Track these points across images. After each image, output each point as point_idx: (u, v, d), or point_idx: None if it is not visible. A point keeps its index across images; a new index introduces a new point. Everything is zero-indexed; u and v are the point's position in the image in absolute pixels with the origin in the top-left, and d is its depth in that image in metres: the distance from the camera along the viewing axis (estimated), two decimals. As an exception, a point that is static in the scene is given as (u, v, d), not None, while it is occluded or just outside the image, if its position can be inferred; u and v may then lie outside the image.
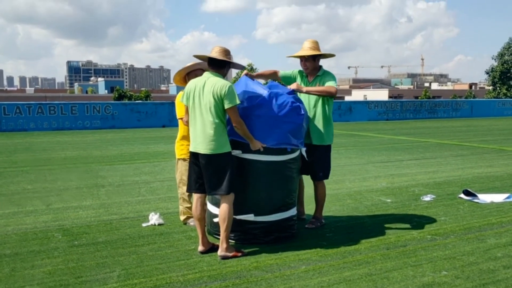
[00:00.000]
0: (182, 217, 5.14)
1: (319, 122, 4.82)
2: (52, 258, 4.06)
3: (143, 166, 9.25)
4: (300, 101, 4.63)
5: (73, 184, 7.39)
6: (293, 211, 4.63)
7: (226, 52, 4.12)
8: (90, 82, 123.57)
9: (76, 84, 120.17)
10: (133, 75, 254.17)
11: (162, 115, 20.40)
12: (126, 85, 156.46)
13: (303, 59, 4.82)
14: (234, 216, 4.23)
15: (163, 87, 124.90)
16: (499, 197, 6.16)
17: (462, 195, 6.30)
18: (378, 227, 4.98)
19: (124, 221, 5.26)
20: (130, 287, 3.45)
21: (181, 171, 5.01)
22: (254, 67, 42.81)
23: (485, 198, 6.13)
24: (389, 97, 64.15)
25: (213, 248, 4.18)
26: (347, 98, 62.62)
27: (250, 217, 4.37)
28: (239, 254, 4.08)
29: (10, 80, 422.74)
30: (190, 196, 4.98)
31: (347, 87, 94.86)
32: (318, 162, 4.86)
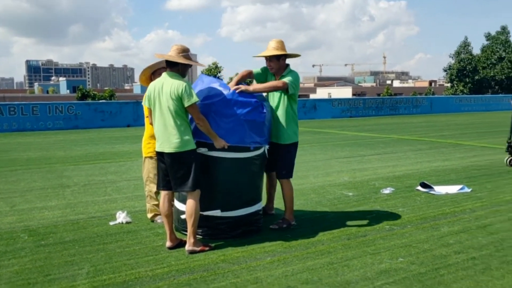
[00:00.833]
0: (149, 215, 5.21)
1: (281, 121, 4.84)
2: (19, 258, 4.07)
3: (108, 165, 9.22)
4: (264, 99, 4.77)
5: (37, 185, 7.32)
6: (258, 206, 4.78)
7: (181, 51, 4.19)
8: (51, 82, 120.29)
9: (36, 84, 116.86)
10: (96, 74, 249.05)
11: (127, 115, 20.21)
12: (89, 85, 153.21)
13: (267, 59, 4.93)
14: (202, 212, 4.35)
15: (127, 86, 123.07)
16: (453, 189, 6.50)
17: (419, 187, 6.61)
18: (340, 219, 5.19)
19: (91, 220, 5.29)
20: (99, 283, 3.52)
21: (148, 169, 5.08)
22: (218, 65, 42.77)
23: (440, 189, 6.45)
24: (353, 94, 65.34)
25: (181, 244, 4.28)
26: (312, 96, 63.40)
27: (217, 212, 4.50)
28: (207, 248, 4.20)
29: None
30: (157, 193, 5.06)
31: (312, 85, 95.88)
32: (281, 160, 4.88)
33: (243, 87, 4.60)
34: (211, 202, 4.47)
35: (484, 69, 51.54)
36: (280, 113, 4.85)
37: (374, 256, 4.02)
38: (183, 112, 4.11)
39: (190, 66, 4.37)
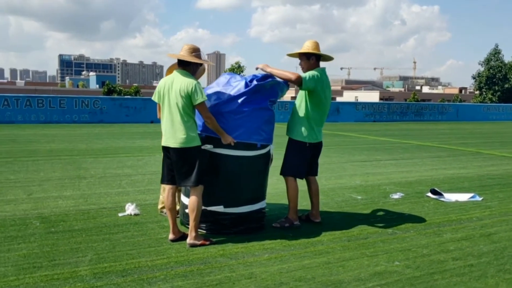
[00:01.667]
0: (159, 206, 5.37)
1: (295, 116, 4.95)
2: (28, 243, 4.26)
3: (126, 159, 9.44)
4: (273, 96, 4.80)
5: (55, 175, 7.57)
6: (262, 204, 4.86)
7: (192, 50, 4.32)
8: (82, 76, 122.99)
9: (67, 78, 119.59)
10: (126, 70, 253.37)
11: (151, 111, 20.49)
12: (118, 80, 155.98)
13: (299, 58, 5.00)
14: (205, 207, 4.48)
15: (155, 83, 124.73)
16: (463, 197, 6.45)
17: (429, 194, 6.58)
18: (344, 221, 5.23)
19: (102, 210, 5.47)
20: (99, 270, 3.66)
21: None
22: (241, 65, 42.92)
23: (450, 197, 6.41)
24: (380, 99, 64.70)
25: (184, 237, 4.40)
26: (339, 99, 63.06)
27: (220, 208, 4.61)
28: (207, 242, 4.31)
29: (1, 72, 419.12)
30: None
31: (339, 88, 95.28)
32: (286, 155, 5.01)
33: (261, 65, 4.85)
34: (215, 197, 4.58)
35: (514, 77, 50.35)
36: (296, 109, 4.96)
37: (371, 259, 4.05)
38: (190, 109, 4.23)
39: (201, 65, 4.51)
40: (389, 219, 5.38)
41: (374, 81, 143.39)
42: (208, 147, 4.48)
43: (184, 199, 4.81)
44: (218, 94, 4.62)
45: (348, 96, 71.86)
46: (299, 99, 4.97)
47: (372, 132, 18.19)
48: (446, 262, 3.99)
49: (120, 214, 5.28)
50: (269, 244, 4.37)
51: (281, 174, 5.05)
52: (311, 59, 4.93)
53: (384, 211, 5.72)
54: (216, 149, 4.52)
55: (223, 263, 3.88)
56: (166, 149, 4.35)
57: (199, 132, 4.45)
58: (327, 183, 7.47)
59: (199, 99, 4.16)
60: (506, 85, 50.03)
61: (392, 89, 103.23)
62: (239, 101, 4.55)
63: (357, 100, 63.22)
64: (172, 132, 4.24)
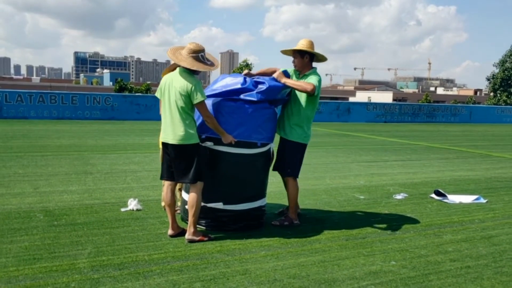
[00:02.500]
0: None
1: (294, 118, 4.93)
2: (31, 235, 4.35)
3: (134, 156, 9.53)
4: (272, 96, 4.82)
5: (62, 170, 7.68)
6: (262, 202, 4.89)
7: (191, 51, 4.31)
8: (96, 74, 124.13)
9: (81, 75, 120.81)
10: (140, 68, 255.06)
11: (161, 109, 20.67)
12: (132, 78, 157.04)
13: (292, 55, 5.01)
14: (205, 204, 4.52)
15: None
16: (468, 198, 6.41)
17: (433, 195, 6.55)
18: (344, 221, 5.23)
19: (105, 205, 5.54)
20: (97, 263, 3.73)
21: None
22: (249, 63, 42.75)
23: (454, 198, 6.37)
24: (393, 99, 64.27)
25: (183, 233, 4.45)
26: (351, 99, 62.81)
27: (219, 205, 4.65)
28: (206, 238, 4.36)
29: (17, 68, 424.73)
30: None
31: (351, 88, 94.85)
32: (287, 158, 4.98)
33: (278, 73, 4.79)
34: (214, 194, 4.62)
35: (530, 79, 49.63)
36: (297, 111, 4.94)
37: (367, 258, 4.06)
38: (189, 108, 4.27)
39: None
40: (390, 219, 5.38)
41: (388, 82, 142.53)
42: (208, 144, 4.52)
43: (185, 195, 4.86)
44: (218, 93, 4.65)
45: (361, 97, 71.56)
46: (298, 100, 4.93)
47: (382, 133, 18.10)
48: (443, 263, 3.98)
49: (122, 209, 5.35)
50: (267, 242, 4.40)
51: (284, 175, 5.05)
52: (305, 57, 4.95)
53: (385, 211, 5.71)
54: (216, 146, 4.56)
55: (219, 259, 3.92)
56: (165, 146, 4.40)
57: (200, 134, 4.47)
58: (331, 182, 7.47)
59: (198, 98, 4.19)
60: (521, 87, 49.36)
61: (406, 90, 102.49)
62: (239, 100, 4.58)
63: (370, 100, 62.91)
64: (171, 128, 4.29)
